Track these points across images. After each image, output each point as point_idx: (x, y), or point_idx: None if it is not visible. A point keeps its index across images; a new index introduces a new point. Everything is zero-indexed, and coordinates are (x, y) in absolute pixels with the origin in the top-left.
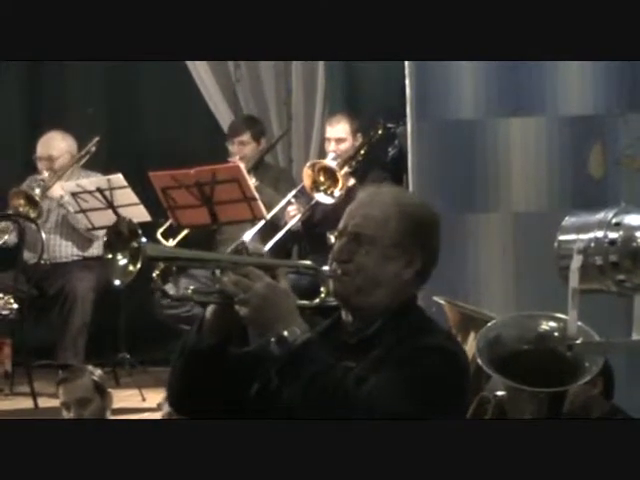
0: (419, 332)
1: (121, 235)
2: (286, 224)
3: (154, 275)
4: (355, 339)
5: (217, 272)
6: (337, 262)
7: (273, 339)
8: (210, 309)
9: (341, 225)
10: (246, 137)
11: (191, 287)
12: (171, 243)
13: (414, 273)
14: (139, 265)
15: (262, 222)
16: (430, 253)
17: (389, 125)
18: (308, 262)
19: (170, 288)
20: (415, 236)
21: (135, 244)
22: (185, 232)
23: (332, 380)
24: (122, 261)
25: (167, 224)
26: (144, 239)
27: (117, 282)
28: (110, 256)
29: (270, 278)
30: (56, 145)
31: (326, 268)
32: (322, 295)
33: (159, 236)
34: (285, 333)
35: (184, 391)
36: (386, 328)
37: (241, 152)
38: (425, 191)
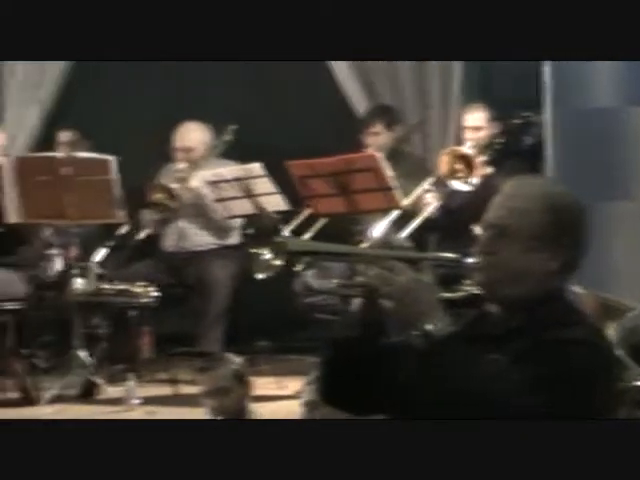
0: (565, 324)
1: (263, 229)
2: (422, 212)
3: (299, 268)
4: (500, 331)
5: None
6: (481, 254)
7: (417, 333)
8: (356, 302)
9: (486, 217)
10: (378, 127)
11: (334, 280)
12: (307, 235)
13: (559, 264)
14: (282, 259)
15: (396, 212)
16: (576, 244)
17: (526, 114)
18: (451, 254)
19: (312, 279)
20: (560, 228)
21: (278, 238)
22: (322, 223)
23: (475, 374)
24: (265, 255)
25: (303, 216)
26: (287, 233)
27: (260, 276)
28: (253, 250)
29: (413, 271)
30: (193, 136)
31: (470, 260)
32: (466, 288)
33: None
34: (429, 327)
35: (333, 383)
36: (531, 320)
37: (375, 142)
38: (562, 180)
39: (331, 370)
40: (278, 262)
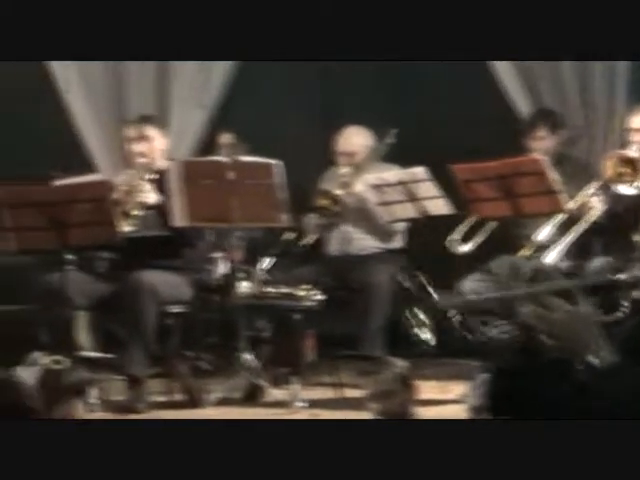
0: None
1: (411, 293)
2: (587, 217)
3: (456, 318)
4: None
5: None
6: None
7: (579, 366)
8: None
9: None
10: (543, 131)
11: (496, 323)
12: (470, 244)
13: None
14: (436, 317)
15: (560, 216)
16: None
17: None
18: (608, 277)
19: (474, 283)
20: None
21: (428, 299)
22: (486, 230)
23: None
24: (420, 316)
25: (468, 223)
26: (435, 294)
27: (425, 338)
28: (407, 314)
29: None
30: (355, 140)
31: (624, 276)
32: (623, 309)
33: (451, 242)
34: (591, 359)
35: (499, 392)
36: None
37: (540, 147)
38: None
39: (497, 380)
40: (431, 320)
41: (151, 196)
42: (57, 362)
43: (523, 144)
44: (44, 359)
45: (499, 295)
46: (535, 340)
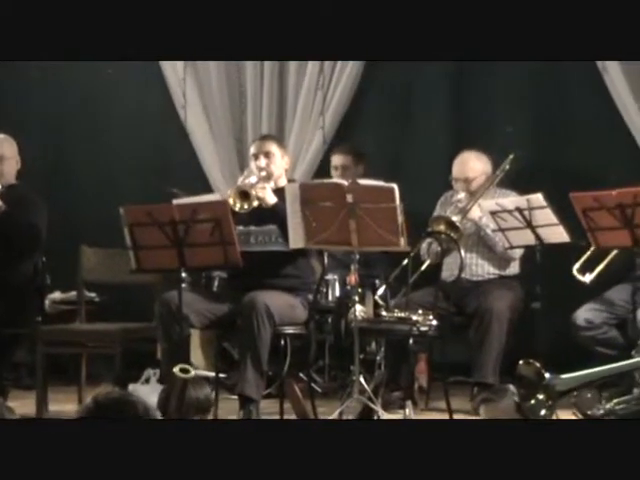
0: None
1: (526, 379)
2: None
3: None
4: None
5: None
6: None
7: None
8: None
9: None
10: None
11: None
12: (589, 276)
13: None
14: (555, 399)
15: None
16: None
17: None
18: None
19: (590, 312)
20: None
21: (544, 383)
22: (604, 263)
23: None
24: (534, 401)
25: (585, 256)
26: (548, 375)
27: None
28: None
29: None
30: (472, 165)
31: None
32: None
33: (575, 272)
34: None
35: None
36: None
37: None
38: None
39: None
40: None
41: (270, 197)
42: (185, 371)
43: None
44: (177, 370)
45: (617, 369)
46: None
